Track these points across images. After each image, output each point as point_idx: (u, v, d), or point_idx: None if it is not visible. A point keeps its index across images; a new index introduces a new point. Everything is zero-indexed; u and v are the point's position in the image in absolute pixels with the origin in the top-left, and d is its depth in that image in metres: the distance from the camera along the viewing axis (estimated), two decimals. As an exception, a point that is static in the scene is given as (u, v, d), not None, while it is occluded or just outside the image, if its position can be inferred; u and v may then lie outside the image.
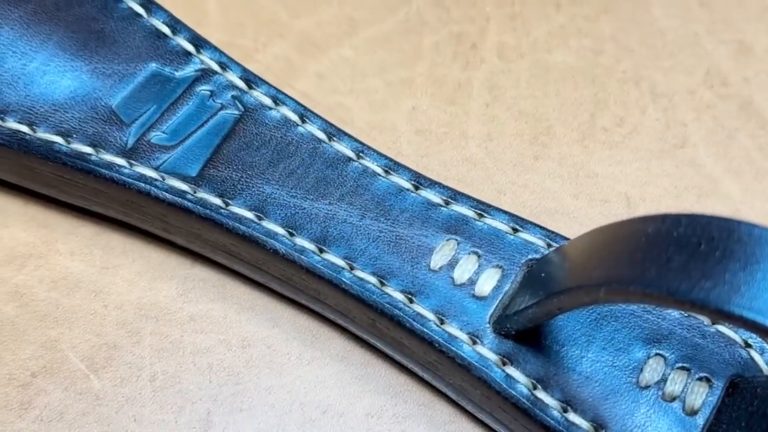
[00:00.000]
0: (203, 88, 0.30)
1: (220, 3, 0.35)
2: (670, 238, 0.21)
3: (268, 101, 0.30)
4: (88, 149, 0.28)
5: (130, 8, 0.30)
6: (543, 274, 0.26)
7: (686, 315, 0.27)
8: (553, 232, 0.28)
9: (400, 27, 0.35)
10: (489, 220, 0.28)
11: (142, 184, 0.28)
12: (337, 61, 0.34)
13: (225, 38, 0.34)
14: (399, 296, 0.27)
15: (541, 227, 0.28)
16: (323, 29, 0.34)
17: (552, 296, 0.24)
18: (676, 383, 0.26)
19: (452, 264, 0.27)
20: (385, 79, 0.34)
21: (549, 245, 0.28)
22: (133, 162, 0.28)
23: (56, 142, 0.28)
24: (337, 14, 0.35)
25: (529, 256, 0.27)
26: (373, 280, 0.27)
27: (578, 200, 0.32)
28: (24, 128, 0.28)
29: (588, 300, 0.23)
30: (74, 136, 0.28)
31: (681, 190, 0.32)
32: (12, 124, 0.28)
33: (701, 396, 0.25)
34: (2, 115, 0.28)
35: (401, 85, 0.33)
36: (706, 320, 0.27)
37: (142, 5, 0.31)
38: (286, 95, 0.30)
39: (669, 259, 0.21)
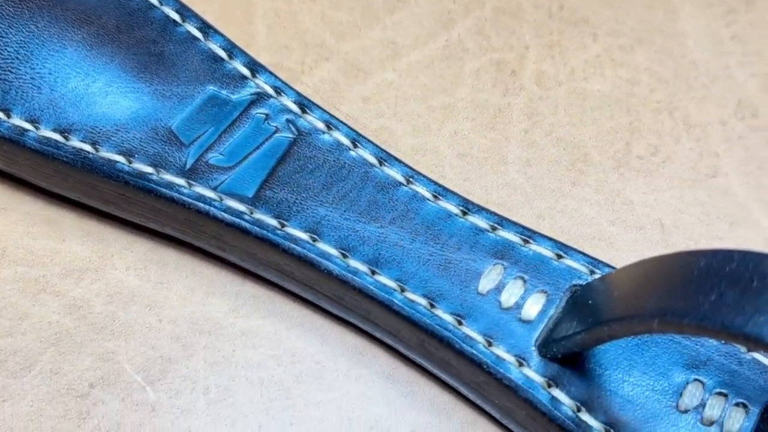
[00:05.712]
0: (259, 112, 0.31)
1: (267, 25, 0.36)
2: (722, 273, 0.23)
3: (321, 125, 0.31)
4: (149, 169, 0.29)
5: (188, 32, 0.31)
6: (590, 301, 0.27)
7: (723, 342, 0.28)
8: (595, 259, 0.29)
9: (442, 53, 0.36)
10: (534, 246, 0.29)
11: (202, 204, 0.29)
12: (381, 85, 0.35)
13: (272, 60, 0.35)
14: (448, 318, 0.28)
15: (584, 254, 0.29)
16: (367, 53, 0.35)
17: (602, 324, 0.25)
18: (714, 408, 0.27)
19: (499, 288, 0.28)
20: (427, 103, 0.35)
21: (592, 272, 0.29)
22: (192, 182, 0.29)
23: (118, 162, 0.29)
24: (381, 39, 0.36)
25: (573, 282, 0.29)
26: (423, 302, 0.28)
27: (614, 227, 0.33)
28: (87, 147, 0.29)
29: (640, 330, 0.24)
30: (136, 155, 0.29)
31: (713, 219, 0.33)
32: (76, 142, 0.29)
33: (738, 421, 0.26)
34: (66, 134, 0.29)
35: (443, 110, 0.35)
36: (742, 348, 0.28)
37: (199, 29, 0.32)
38: (338, 120, 0.31)
39: (722, 293, 0.22)
